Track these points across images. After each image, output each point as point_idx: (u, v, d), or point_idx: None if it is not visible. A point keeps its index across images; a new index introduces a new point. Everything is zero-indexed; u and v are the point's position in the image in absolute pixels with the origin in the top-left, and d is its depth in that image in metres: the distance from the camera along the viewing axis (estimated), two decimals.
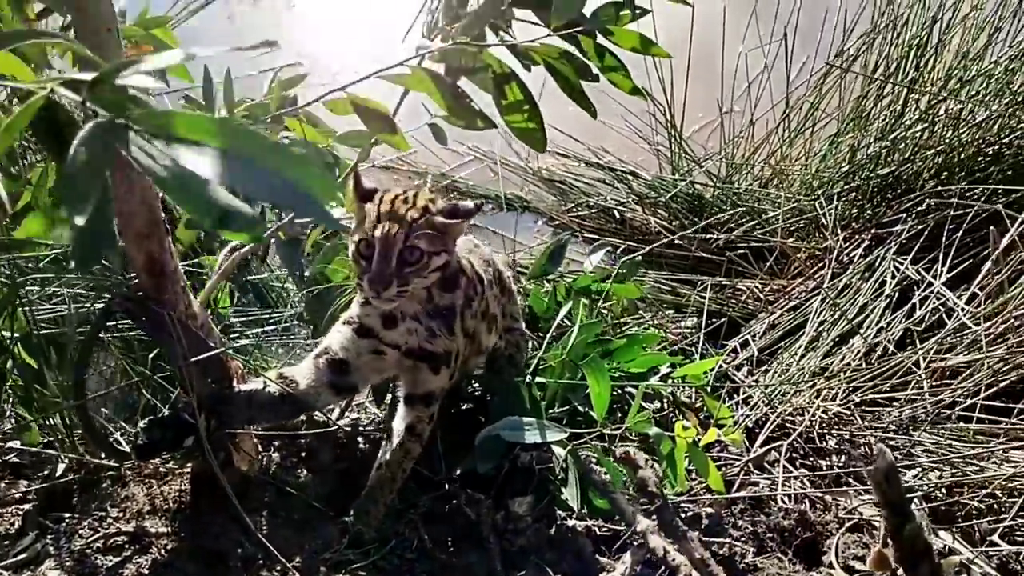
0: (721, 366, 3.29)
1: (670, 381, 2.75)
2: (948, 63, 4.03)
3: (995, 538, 2.16)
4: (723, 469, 2.55)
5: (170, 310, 1.76)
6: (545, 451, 2.36)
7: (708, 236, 4.14)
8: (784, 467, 2.68)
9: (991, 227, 3.26)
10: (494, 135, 5.22)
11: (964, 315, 2.95)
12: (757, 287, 3.85)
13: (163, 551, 1.77)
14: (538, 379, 2.57)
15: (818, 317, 3.43)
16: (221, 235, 1.57)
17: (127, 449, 1.96)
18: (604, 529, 2.22)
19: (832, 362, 3.08)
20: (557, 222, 4.67)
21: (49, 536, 1.76)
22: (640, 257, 4.04)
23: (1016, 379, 2.72)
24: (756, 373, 3.28)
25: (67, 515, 1.88)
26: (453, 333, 2.12)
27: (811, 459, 2.79)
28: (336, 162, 2.52)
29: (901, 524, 0.98)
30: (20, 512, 1.91)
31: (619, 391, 2.72)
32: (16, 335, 1.96)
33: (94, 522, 1.82)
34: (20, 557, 1.67)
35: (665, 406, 2.87)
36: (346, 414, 2.49)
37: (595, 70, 1.86)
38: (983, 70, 3.93)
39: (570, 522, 2.18)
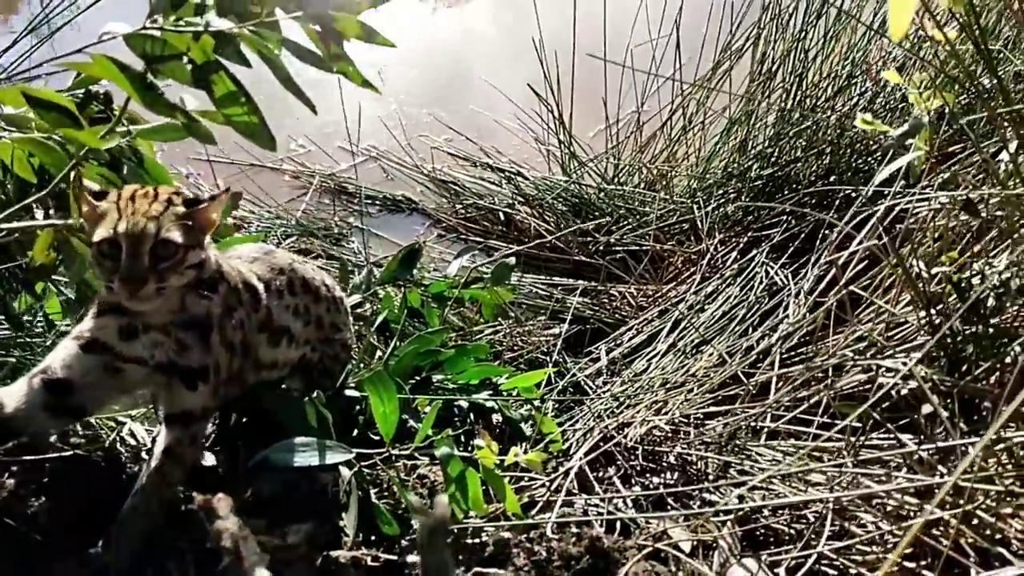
0: (575, 375, 3.15)
1: (502, 394, 2.60)
2: (833, 61, 3.91)
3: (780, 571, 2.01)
4: (531, 489, 2.40)
5: None
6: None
7: (587, 239, 4.00)
8: (613, 485, 2.54)
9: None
10: (387, 136, 5.09)
11: (801, 324, 2.80)
12: (631, 292, 3.71)
13: None
14: (348, 392, 2.41)
15: (679, 324, 3.28)
16: None
17: None
18: (378, 561, 2.06)
19: (677, 375, 2.93)
20: (444, 224, 4.52)
21: None
22: (516, 260, 3.91)
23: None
24: (609, 383, 3.14)
25: None
26: (208, 345, 1.93)
27: (647, 476, 2.65)
28: (139, 160, 2.31)
29: None
30: None
31: (448, 406, 2.58)
32: None
33: None
34: None
35: (497, 421, 2.72)
36: (124, 433, 2.31)
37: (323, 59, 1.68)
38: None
39: (335, 553, 2.01)
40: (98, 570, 1.84)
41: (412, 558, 1.93)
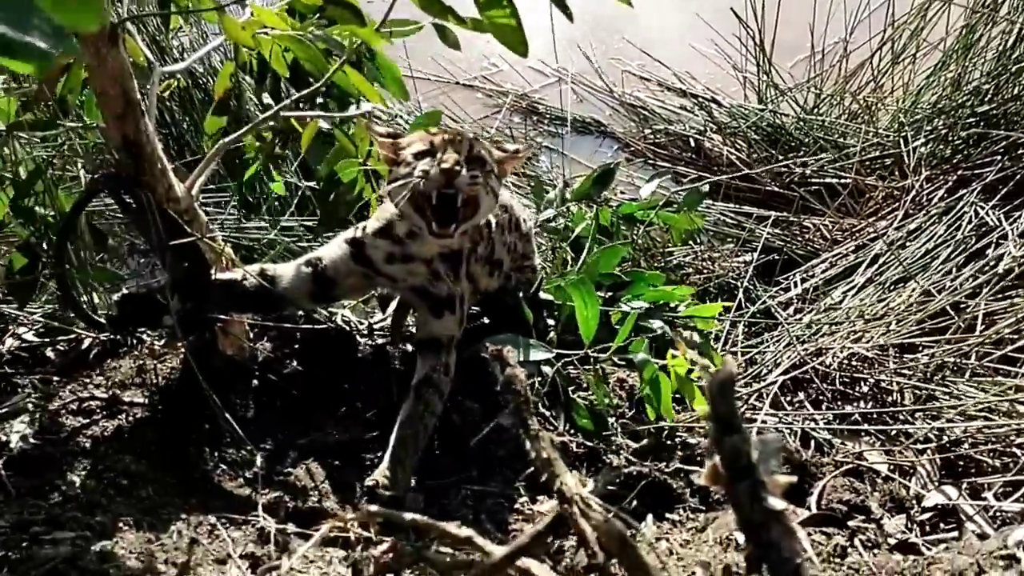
0: (765, 303, 3.16)
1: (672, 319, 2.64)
2: None
3: (988, 495, 2.00)
4: None
5: (148, 192, 1.83)
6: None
7: (781, 169, 3.94)
8: (804, 408, 2.58)
9: None
10: (579, 58, 5.12)
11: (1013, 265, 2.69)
12: (826, 225, 3.65)
13: (131, 419, 1.88)
14: (543, 295, 2.54)
15: (879, 259, 3.22)
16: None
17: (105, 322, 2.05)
18: (581, 448, 2.20)
19: (878, 307, 2.89)
20: (632, 148, 4.55)
21: (35, 395, 1.90)
22: (707, 187, 3.91)
23: None
24: (802, 313, 3.13)
25: (55, 378, 2.03)
26: (458, 278, 2.10)
27: (838, 403, 2.66)
28: (372, 55, 2.47)
29: (725, 438, 0.93)
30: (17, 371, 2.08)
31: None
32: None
33: (77, 387, 1.96)
34: (2, 410, 1.82)
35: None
36: (348, 315, 2.54)
37: None
38: None
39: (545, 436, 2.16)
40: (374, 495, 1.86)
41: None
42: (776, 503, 0.92)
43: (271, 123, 2.30)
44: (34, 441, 1.73)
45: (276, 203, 3.11)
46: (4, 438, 1.71)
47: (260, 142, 2.52)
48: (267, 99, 2.54)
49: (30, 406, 1.83)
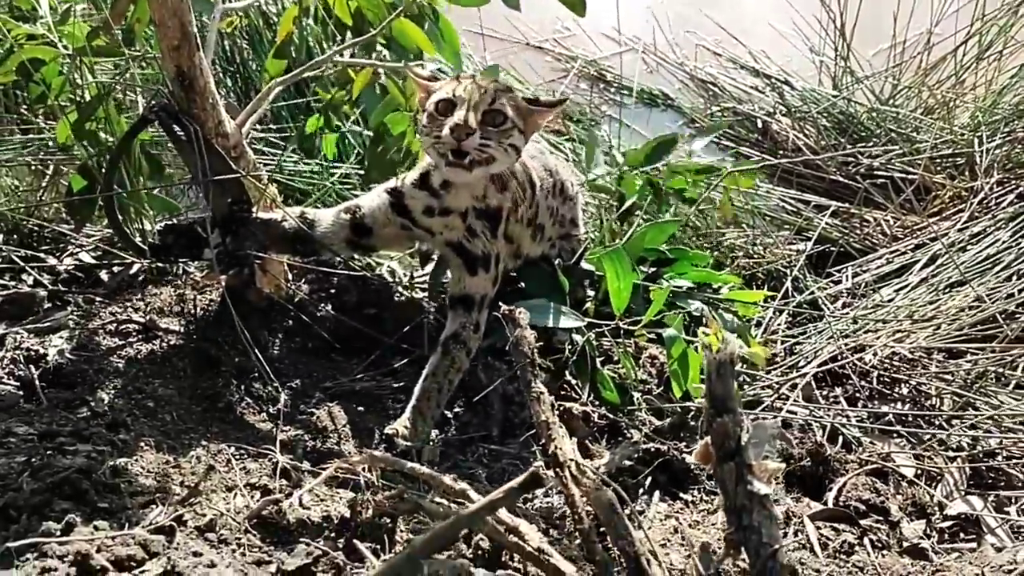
0: (813, 294, 3.10)
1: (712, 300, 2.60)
2: None
3: (1011, 510, 1.95)
4: (756, 390, 2.44)
5: (198, 125, 1.87)
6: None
7: (849, 159, 3.83)
8: (839, 403, 2.53)
9: None
10: (652, 29, 5.03)
11: None
12: (887, 220, 3.54)
13: (165, 345, 1.95)
14: (584, 265, 2.52)
15: (937, 260, 3.12)
16: None
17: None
18: (603, 420, 2.20)
19: (928, 309, 2.81)
20: (697, 124, 4.47)
21: (77, 314, 1.98)
22: (766, 170, 3.84)
23: None
24: (849, 307, 3.06)
25: (99, 298, 2.10)
26: (495, 236, 2.11)
27: (874, 401, 2.60)
28: (436, 17, 2.47)
29: (717, 418, 0.92)
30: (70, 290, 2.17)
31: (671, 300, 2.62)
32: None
33: (117, 309, 2.03)
34: (45, 324, 1.90)
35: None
36: (395, 266, 2.57)
37: None
38: None
39: (569, 404, 2.17)
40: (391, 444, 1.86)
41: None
42: (760, 487, 0.91)
43: (331, 71, 2.33)
44: (71, 356, 1.80)
45: (336, 148, 3.14)
46: (43, 351, 1.78)
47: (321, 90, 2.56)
48: (329, 47, 2.57)
49: (71, 323, 1.90)
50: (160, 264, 2.19)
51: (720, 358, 0.95)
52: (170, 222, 1.93)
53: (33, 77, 2.23)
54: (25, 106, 2.97)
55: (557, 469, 1.11)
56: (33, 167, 2.83)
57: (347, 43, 2.14)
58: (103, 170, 2.08)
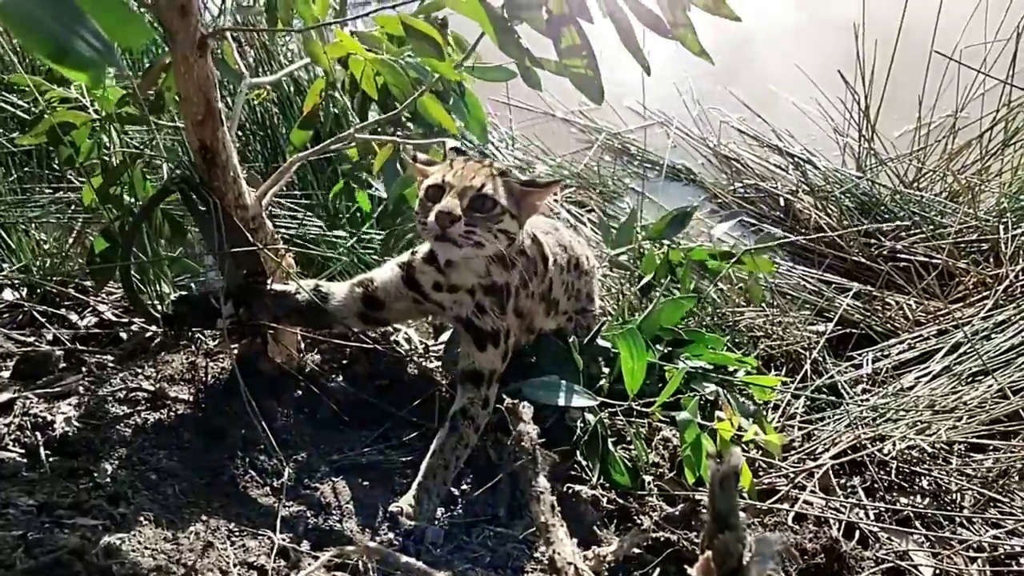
0: (833, 377, 3.05)
1: (727, 383, 2.56)
2: None
3: None
4: (772, 478, 2.39)
5: (218, 197, 1.89)
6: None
7: (871, 241, 3.81)
8: (856, 494, 2.47)
9: None
10: (677, 105, 5.08)
11: None
12: (910, 305, 3.50)
13: (172, 414, 1.94)
14: (600, 342, 2.50)
15: (960, 348, 3.07)
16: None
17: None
18: (613, 504, 2.16)
19: (948, 399, 2.75)
20: (719, 200, 4.48)
21: (88, 379, 1.98)
22: (788, 249, 3.83)
23: None
24: (869, 393, 3.01)
25: (111, 364, 2.11)
26: (504, 312, 2.11)
27: (893, 494, 2.54)
28: (462, 91, 2.51)
29: (719, 535, 0.89)
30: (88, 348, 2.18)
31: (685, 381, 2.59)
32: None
33: (128, 375, 2.03)
34: (55, 389, 1.90)
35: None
36: (399, 337, 2.56)
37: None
38: None
39: (578, 487, 2.13)
40: (399, 526, 1.85)
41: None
42: None
43: (354, 143, 2.36)
44: (77, 424, 1.79)
45: (358, 216, 3.17)
46: (51, 417, 1.78)
47: (345, 162, 2.60)
48: (354, 119, 2.61)
49: (81, 389, 1.90)
50: (171, 333, 2.19)
51: (724, 471, 0.92)
52: (184, 293, 1.95)
53: (63, 140, 2.28)
54: (56, 165, 3.04)
55: (554, 575, 1.08)
56: (61, 225, 2.88)
57: (370, 121, 2.16)
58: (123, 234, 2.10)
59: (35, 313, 2.44)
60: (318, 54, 1.97)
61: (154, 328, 2.21)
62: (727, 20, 1.71)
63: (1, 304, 2.51)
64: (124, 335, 2.40)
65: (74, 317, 2.46)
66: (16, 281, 2.59)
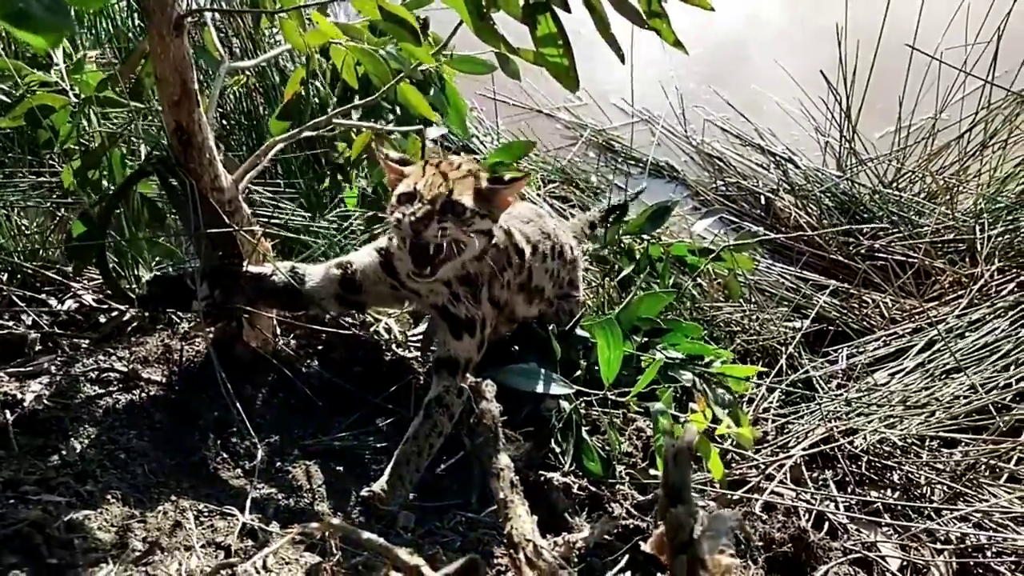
0: (807, 372, 3.08)
1: (704, 374, 2.58)
2: None
3: None
4: (743, 469, 2.41)
5: (194, 179, 1.89)
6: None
7: (849, 240, 3.84)
8: (827, 487, 2.49)
9: None
10: (661, 102, 5.10)
11: None
12: (886, 303, 3.54)
13: (144, 395, 1.94)
14: (579, 331, 2.52)
15: (934, 345, 3.10)
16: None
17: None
18: (584, 492, 2.17)
19: (920, 395, 2.78)
20: (701, 198, 4.50)
21: (60, 359, 1.98)
22: (767, 247, 3.85)
23: None
24: (844, 387, 3.04)
25: (84, 344, 2.10)
26: (478, 301, 2.12)
27: (864, 487, 2.57)
28: (442, 84, 2.52)
29: (671, 508, 0.90)
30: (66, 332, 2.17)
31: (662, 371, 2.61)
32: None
33: (101, 356, 2.03)
34: (26, 369, 1.90)
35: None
36: (391, 323, 2.57)
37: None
38: None
39: (551, 474, 2.15)
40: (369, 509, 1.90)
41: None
42: None
43: (336, 131, 2.36)
44: (48, 403, 1.79)
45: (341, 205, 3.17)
46: (20, 396, 1.78)
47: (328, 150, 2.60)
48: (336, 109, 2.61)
49: (52, 368, 1.90)
50: (146, 314, 2.19)
51: (678, 446, 0.93)
52: (158, 274, 1.95)
53: (42, 123, 2.27)
54: (34, 149, 3.02)
55: (511, 551, 1.09)
56: (41, 209, 2.87)
57: (348, 106, 2.17)
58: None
59: (14, 297, 2.43)
60: (294, 36, 1.97)
61: (131, 310, 2.21)
62: (717, 22, 1.72)
63: None
64: (103, 320, 2.39)
65: (53, 302, 2.45)
66: None
